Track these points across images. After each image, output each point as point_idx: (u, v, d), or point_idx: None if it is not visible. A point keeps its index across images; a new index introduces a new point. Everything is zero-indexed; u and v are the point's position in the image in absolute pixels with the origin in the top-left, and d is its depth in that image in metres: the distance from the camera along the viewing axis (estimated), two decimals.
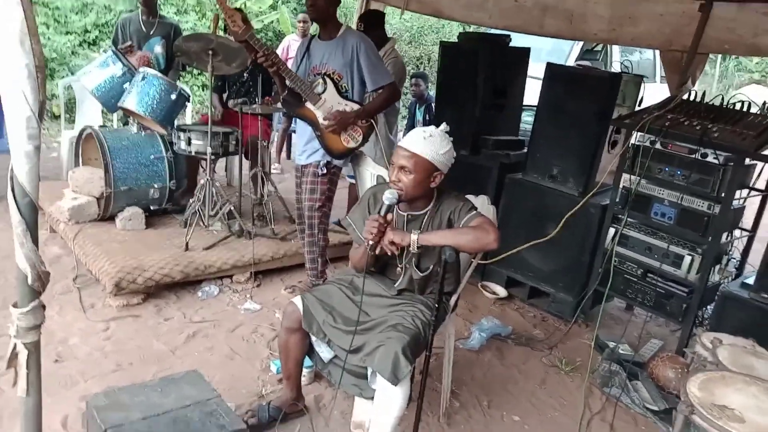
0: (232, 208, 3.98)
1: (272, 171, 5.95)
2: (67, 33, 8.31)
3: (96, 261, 3.36)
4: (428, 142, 2.07)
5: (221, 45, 3.68)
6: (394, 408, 2.03)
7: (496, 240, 2.02)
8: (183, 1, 9.74)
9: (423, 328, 2.11)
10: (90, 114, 5.10)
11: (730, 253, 3.22)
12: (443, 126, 2.15)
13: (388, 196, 2.06)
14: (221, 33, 4.36)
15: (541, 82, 3.66)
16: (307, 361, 2.50)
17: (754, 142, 2.81)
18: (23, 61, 1.40)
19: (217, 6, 3.18)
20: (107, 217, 3.90)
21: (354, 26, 4.93)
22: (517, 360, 3.17)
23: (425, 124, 5.83)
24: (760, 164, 3.02)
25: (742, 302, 2.86)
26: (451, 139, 2.14)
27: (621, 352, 3.16)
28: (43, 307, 1.60)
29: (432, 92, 6.01)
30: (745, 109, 3.07)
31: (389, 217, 2.07)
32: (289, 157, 7.02)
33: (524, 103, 4.41)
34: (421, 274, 2.25)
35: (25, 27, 1.38)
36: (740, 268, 3.33)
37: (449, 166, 2.15)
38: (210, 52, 3.63)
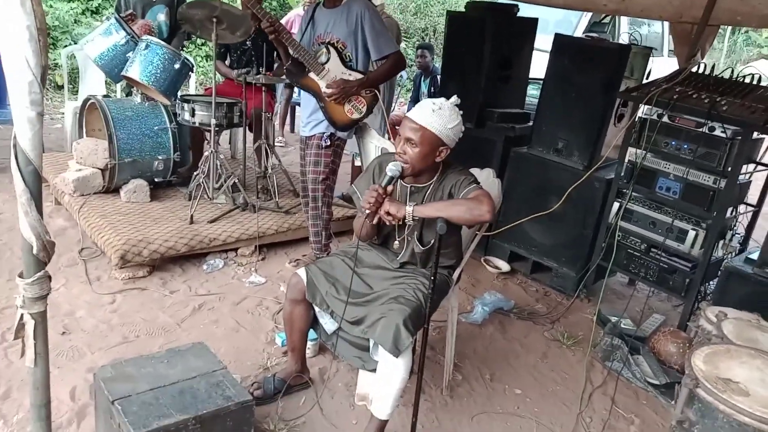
0: (237, 181, 3.98)
1: (276, 144, 5.93)
2: (69, 0, 8.20)
3: (101, 233, 3.37)
4: (437, 115, 2.05)
5: (225, 12, 3.64)
6: (396, 379, 2.05)
7: (490, 212, 2.00)
8: None
9: (424, 301, 2.12)
10: (93, 84, 5.06)
11: (735, 228, 3.22)
12: (454, 98, 2.12)
13: (392, 168, 2.05)
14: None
15: (547, 55, 3.61)
16: (312, 334, 2.52)
17: (763, 116, 2.77)
18: (24, 23, 1.37)
19: None
20: (112, 189, 3.91)
21: None
22: (519, 334, 3.19)
23: (430, 96, 5.77)
24: (767, 138, 2.99)
25: (746, 277, 2.86)
26: (461, 113, 2.12)
27: (623, 326, 3.18)
28: (49, 277, 1.61)
29: (438, 64, 5.94)
30: (755, 82, 3.02)
31: (389, 188, 2.06)
32: (293, 129, 6.98)
33: (530, 76, 4.35)
34: (423, 248, 2.25)
35: None
36: (744, 244, 3.33)
37: (456, 140, 2.13)
38: (214, 19, 3.59)
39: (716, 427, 1.75)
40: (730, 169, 2.91)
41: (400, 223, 2.11)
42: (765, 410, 1.66)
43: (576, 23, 7.74)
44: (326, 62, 3.08)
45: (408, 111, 2.14)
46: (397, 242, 2.30)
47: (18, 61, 1.40)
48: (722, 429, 1.73)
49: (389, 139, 3.45)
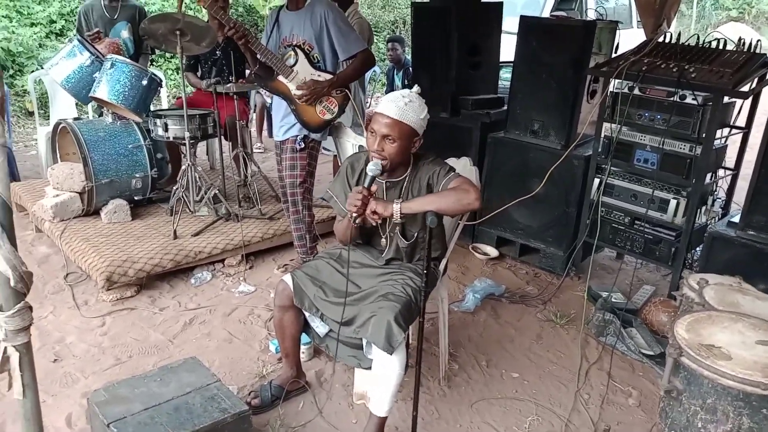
0: (217, 191, 3.95)
1: (255, 150, 5.90)
2: (32, 25, 8.10)
3: (85, 257, 3.34)
4: (409, 108, 2.04)
5: (189, 24, 3.60)
6: (392, 376, 2.05)
7: (478, 198, 2.01)
8: None
9: (414, 295, 2.12)
10: (64, 107, 5.01)
11: (715, 193, 3.24)
12: (416, 88, 2.12)
13: (372, 168, 2.04)
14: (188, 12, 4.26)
15: (516, 37, 3.61)
16: (305, 338, 2.52)
17: (731, 80, 2.79)
18: None
19: None
20: (92, 211, 3.87)
21: None
22: (512, 318, 3.20)
23: (404, 88, 5.76)
24: (739, 101, 3.02)
25: (729, 241, 2.88)
26: (424, 100, 2.12)
27: (614, 300, 3.20)
28: (30, 308, 1.58)
29: (409, 56, 5.93)
30: (721, 47, 3.04)
31: (373, 188, 2.05)
32: (270, 135, 6.95)
33: (501, 59, 4.35)
34: (407, 242, 2.25)
35: None
36: (726, 208, 3.36)
37: (425, 129, 2.14)
38: (178, 32, 3.55)
39: (702, 393, 1.77)
40: (704, 135, 2.93)
41: (382, 221, 2.11)
42: (748, 372, 1.69)
43: (543, 3, 7.78)
44: (294, 64, 3.07)
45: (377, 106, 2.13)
46: (383, 239, 2.30)
47: None
48: (708, 394, 1.76)
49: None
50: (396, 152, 2.07)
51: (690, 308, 2.19)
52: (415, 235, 2.24)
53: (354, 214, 2.04)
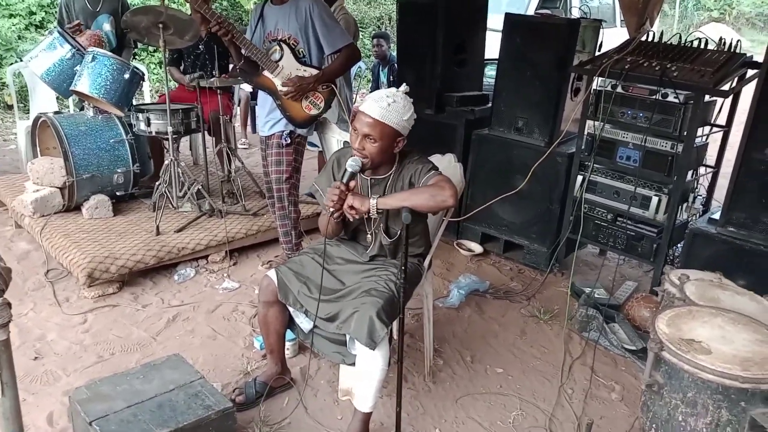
0: (200, 187, 3.92)
1: (240, 146, 5.86)
2: (11, 16, 7.95)
3: (66, 253, 3.30)
4: (392, 108, 2.03)
5: (171, 17, 3.56)
6: (375, 372, 2.06)
7: (452, 196, 2.00)
8: None
9: (397, 291, 2.12)
10: (44, 101, 4.92)
11: (696, 190, 3.29)
12: (404, 87, 2.11)
13: (351, 164, 2.04)
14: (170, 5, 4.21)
15: (501, 34, 3.62)
16: (290, 334, 2.51)
17: (712, 79, 2.83)
18: None
19: None
20: (73, 207, 3.82)
21: None
22: (496, 313, 3.22)
23: (389, 85, 5.77)
24: (720, 100, 3.06)
25: (710, 237, 2.92)
26: (411, 100, 2.11)
27: (597, 296, 3.23)
28: (9, 304, 1.56)
29: (394, 52, 5.93)
30: (702, 46, 3.08)
31: (352, 184, 2.05)
32: (254, 130, 6.91)
33: (486, 57, 4.37)
34: (390, 240, 2.25)
35: None
36: (707, 205, 3.40)
37: (409, 129, 2.13)
38: (160, 25, 3.51)
39: (683, 387, 1.80)
40: (686, 133, 2.97)
41: (365, 216, 2.11)
42: (727, 366, 1.71)
43: (528, 1, 7.80)
44: (279, 59, 3.05)
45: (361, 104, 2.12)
46: (369, 235, 2.30)
47: None
48: (689, 388, 1.78)
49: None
50: (377, 152, 2.07)
51: (671, 303, 2.22)
52: (399, 232, 2.24)
53: (331, 209, 2.03)
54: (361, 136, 2.05)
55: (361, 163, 2.06)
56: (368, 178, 2.21)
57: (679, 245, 3.35)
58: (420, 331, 2.83)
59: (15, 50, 7.61)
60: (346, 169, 2.05)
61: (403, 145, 2.13)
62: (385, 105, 2.03)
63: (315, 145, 4.32)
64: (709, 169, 3.35)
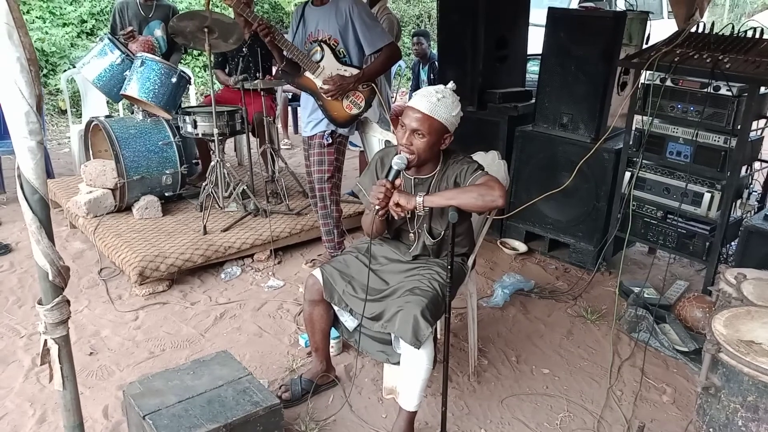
0: (245, 187, 3.99)
1: (282, 146, 5.94)
2: (64, 25, 8.27)
3: (118, 252, 3.41)
4: (441, 104, 2.02)
5: (216, 22, 3.64)
6: (420, 371, 2.05)
7: (502, 196, 1.96)
8: None
9: (441, 290, 2.12)
10: (95, 105, 5.11)
11: (751, 186, 3.17)
12: (451, 84, 2.10)
13: (397, 161, 2.03)
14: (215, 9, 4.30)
15: (543, 29, 3.57)
16: (334, 332, 2.53)
17: None
18: (14, 55, 1.39)
19: None
20: (124, 207, 3.94)
21: None
22: (541, 313, 3.18)
23: (430, 83, 5.74)
24: None
25: (766, 235, 2.81)
26: (458, 97, 2.10)
27: (646, 296, 3.15)
28: (68, 302, 1.62)
29: (435, 50, 5.91)
30: (757, 36, 2.96)
31: (397, 182, 2.05)
32: (296, 131, 7.00)
33: (528, 52, 4.31)
34: (434, 240, 2.24)
35: (11, 19, 1.37)
36: (762, 201, 3.28)
37: (456, 126, 2.12)
38: (205, 30, 3.59)
39: (743, 390, 1.73)
40: (739, 127, 2.86)
41: (410, 214, 2.11)
42: None
43: None
44: (320, 60, 3.08)
45: (410, 100, 2.12)
46: (411, 234, 2.29)
47: (13, 93, 1.41)
48: (749, 392, 1.72)
49: (393, 131, 3.44)
50: (424, 147, 2.06)
51: (727, 304, 2.15)
52: (441, 233, 2.22)
53: (377, 207, 2.04)
54: (410, 131, 2.05)
55: (407, 160, 2.05)
56: (412, 177, 2.20)
57: (732, 243, 3.23)
58: (464, 331, 2.81)
59: (68, 57, 7.91)
60: (391, 167, 2.04)
61: (450, 142, 2.12)
62: (435, 100, 2.02)
63: (356, 145, 4.33)
64: (764, 164, 3.22)
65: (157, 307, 3.18)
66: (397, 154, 2.08)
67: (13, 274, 3.50)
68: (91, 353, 2.76)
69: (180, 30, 3.71)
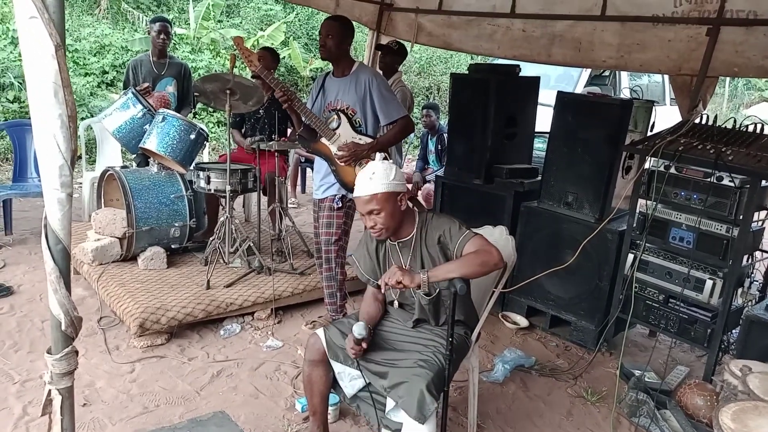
0: (251, 244, 4.03)
1: (289, 205, 6.02)
2: (86, 75, 8.56)
3: (120, 302, 3.41)
4: (376, 179, 2.14)
5: (238, 84, 3.78)
6: None
7: (501, 258, 2.08)
8: (197, 41, 10.01)
9: (445, 362, 2.12)
10: (110, 154, 5.22)
11: (752, 275, 3.20)
12: (378, 156, 2.23)
13: (356, 330, 2.13)
14: (238, 72, 4.48)
15: (550, 109, 3.70)
16: (333, 398, 2.50)
17: None
18: (57, 112, 1.47)
19: (234, 47, 3.30)
20: (130, 257, 3.97)
21: (366, 60, 5.06)
22: (541, 391, 3.14)
23: (437, 154, 5.88)
24: None
25: None
26: (390, 160, 2.25)
27: (647, 380, 3.12)
28: (76, 352, 1.63)
29: (443, 122, 6.08)
30: (758, 131, 3.07)
31: (364, 345, 2.15)
32: (303, 190, 7.10)
33: (535, 130, 4.44)
34: (428, 299, 2.27)
35: (59, 78, 1.45)
36: (763, 291, 3.30)
37: (404, 182, 2.24)
38: (227, 91, 3.73)
39: None
40: (741, 217, 2.93)
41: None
42: None
43: (577, 78, 7.94)
44: (337, 128, 3.18)
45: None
46: (413, 296, 2.33)
47: (50, 146, 1.48)
48: None
49: None
50: (387, 218, 2.16)
51: (733, 396, 2.14)
52: (438, 290, 2.25)
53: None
54: (366, 215, 2.17)
55: (365, 328, 2.14)
56: (396, 242, 2.29)
57: (733, 331, 3.23)
58: (462, 405, 2.78)
59: (86, 106, 8.13)
60: (354, 335, 2.13)
61: (407, 198, 2.22)
62: (368, 180, 2.14)
63: None
64: (765, 254, 3.27)
65: (154, 361, 3.15)
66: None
67: (12, 318, 3.48)
68: (84, 404, 2.72)
69: (203, 90, 3.85)
